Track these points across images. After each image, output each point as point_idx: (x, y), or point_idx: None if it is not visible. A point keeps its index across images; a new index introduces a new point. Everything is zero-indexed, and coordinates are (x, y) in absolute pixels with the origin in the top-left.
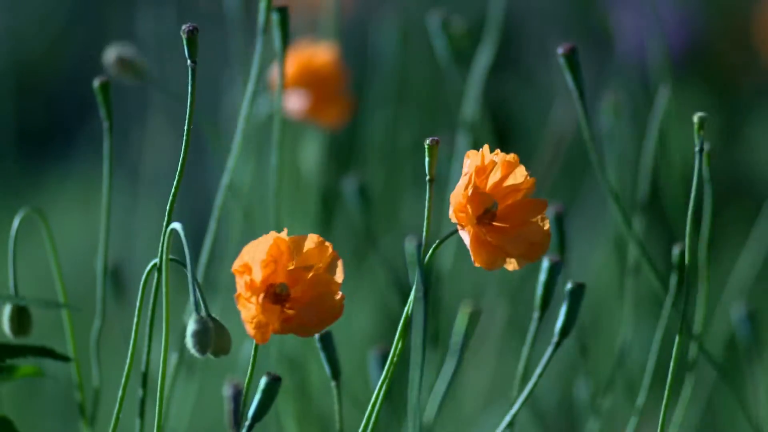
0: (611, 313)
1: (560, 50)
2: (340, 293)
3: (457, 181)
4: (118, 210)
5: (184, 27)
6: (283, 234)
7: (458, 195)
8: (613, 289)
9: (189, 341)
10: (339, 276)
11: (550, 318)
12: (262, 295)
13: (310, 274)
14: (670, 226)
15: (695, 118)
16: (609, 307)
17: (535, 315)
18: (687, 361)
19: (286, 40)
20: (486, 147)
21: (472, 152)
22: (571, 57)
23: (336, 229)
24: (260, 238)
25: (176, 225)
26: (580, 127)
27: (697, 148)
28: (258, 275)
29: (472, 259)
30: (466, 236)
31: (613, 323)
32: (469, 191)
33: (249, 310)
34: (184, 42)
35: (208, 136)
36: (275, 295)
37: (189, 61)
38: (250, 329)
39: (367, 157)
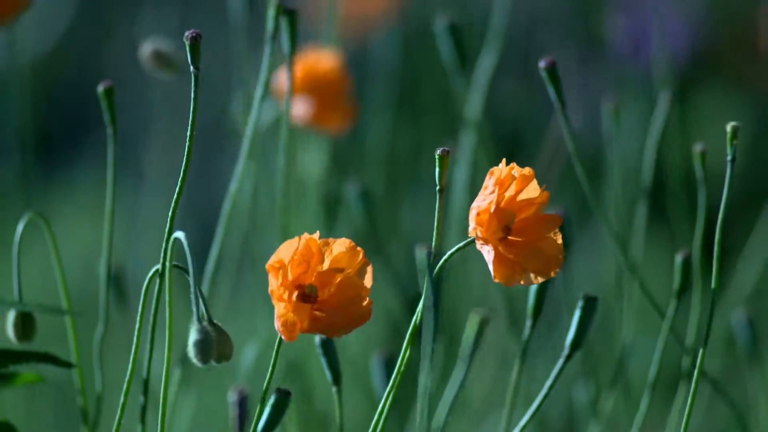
0: (612, 317)
1: (542, 64)
2: (368, 298)
3: (460, 186)
4: (127, 215)
5: (186, 33)
6: (315, 236)
7: (481, 211)
8: (614, 293)
9: (191, 350)
10: (368, 281)
11: (550, 319)
12: (295, 293)
13: (340, 278)
14: (673, 226)
15: (728, 128)
16: (610, 312)
17: (528, 323)
18: (687, 371)
19: (294, 43)
20: (503, 161)
21: (495, 169)
22: (553, 71)
23: (337, 234)
24: (294, 238)
25: (179, 234)
26: (581, 134)
27: (729, 158)
28: (289, 274)
29: (492, 274)
30: (488, 253)
31: (614, 328)
32: (492, 207)
33: (280, 307)
34: (187, 48)
35: (225, 138)
36: (304, 295)
37: (192, 68)
38: (278, 326)
39: (367, 162)
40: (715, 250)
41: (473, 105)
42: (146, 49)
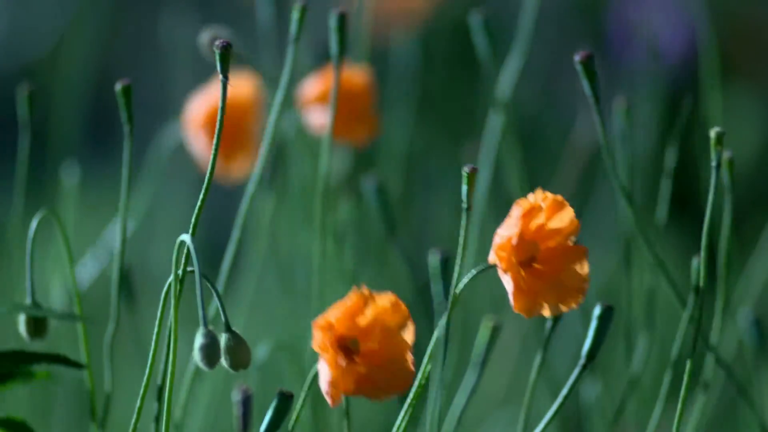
0: (622, 318)
1: (577, 57)
2: (411, 357)
3: (479, 191)
4: (145, 214)
5: (217, 42)
6: (363, 290)
7: (503, 241)
8: (624, 294)
9: (196, 355)
10: (409, 337)
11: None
12: (339, 355)
13: (382, 332)
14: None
15: (712, 133)
16: (620, 313)
17: (548, 325)
18: (700, 373)
19: (342, 46)
20: (538, 190)
21: (522, 200)
22: (588, 64)
23: (351, 234)
24: (345, 299)
25: (185, 237)
26: (599, 133)
27: (714, 163)
28: (334, 332)
29: (512, 305)
30: (508, 283)
31: (623, 328)
32: (514, 240)
33: (326, 369)
34: (217, 57)
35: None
36: (346, 348)
37: (221, 77)
38: (324, 387)
39: (383, 160)
40: (702, 254)
41: (497, 107)
42: (204, 37)
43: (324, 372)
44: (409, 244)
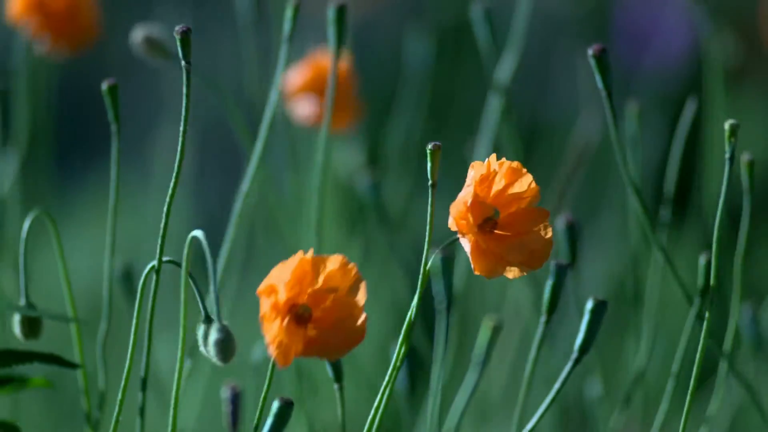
0: (625, 319)
1: (590, 51)
2: (363, 315)
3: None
4: (139, 214)
5: (177, 28)
6: (309, 254)
7: (459, 204)
8: (628, 296)
9: (212, 350)
10: (361, 298)
11: (561, 324)
12: (287, 318)
13: (333, 296)
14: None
15: (726, 126)
16: (623, 314)
17: (542, 319)
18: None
19: (341, 38)
20: (493, 156)
21: (476, 163)
22: (602, 58)
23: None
24: (288, 260)
25: (198, 233)
26: (606, 130)
27: (727, 155)
28: (282, 296)
29: (472, 267)
30: (466, 244)
31: (627, 329)
32: (469, 200)
33: (272, 331)
34: (178, 43)
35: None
36: (297, 315)
37: (183, 62)
38: (272, 351)
39: (391, 162)
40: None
41: (493, 105)
42: (138, 35)
43: (272, 336)
44: (410, 242)
